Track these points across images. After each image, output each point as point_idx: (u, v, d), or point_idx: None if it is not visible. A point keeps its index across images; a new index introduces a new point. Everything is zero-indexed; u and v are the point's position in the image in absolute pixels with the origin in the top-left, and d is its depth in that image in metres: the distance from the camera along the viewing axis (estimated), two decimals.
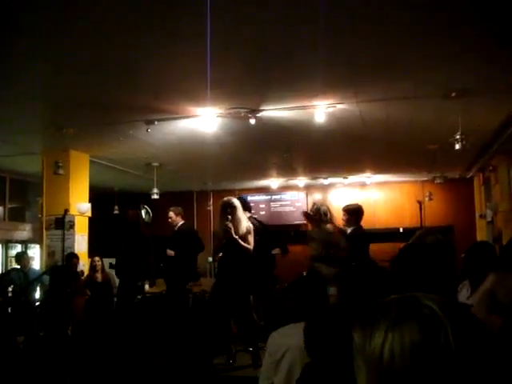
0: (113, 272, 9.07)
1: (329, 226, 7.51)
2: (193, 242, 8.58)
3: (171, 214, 8.64)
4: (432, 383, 0.89)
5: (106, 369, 6.28)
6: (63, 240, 7.60)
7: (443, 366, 0.89)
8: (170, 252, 8.49)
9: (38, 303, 8.93)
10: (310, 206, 8.24)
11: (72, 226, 8.77)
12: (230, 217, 6.85)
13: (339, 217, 7.69)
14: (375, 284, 1.97)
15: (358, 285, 2.02)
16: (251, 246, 7.00)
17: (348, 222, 7.18)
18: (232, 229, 6.77)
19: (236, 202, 7.03)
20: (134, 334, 7.63)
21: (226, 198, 7.19)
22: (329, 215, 7.54)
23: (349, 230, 7.14)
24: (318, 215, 7.55)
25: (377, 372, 0.93)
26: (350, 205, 7.39)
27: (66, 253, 8.33)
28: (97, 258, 9.06)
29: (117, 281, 8.84)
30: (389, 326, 0.94)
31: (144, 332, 7.80)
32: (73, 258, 8.38)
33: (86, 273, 9.11)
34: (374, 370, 0.93)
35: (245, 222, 6.97)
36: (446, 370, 0.89)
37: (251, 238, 6.99)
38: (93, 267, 9.00)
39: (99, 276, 9.04)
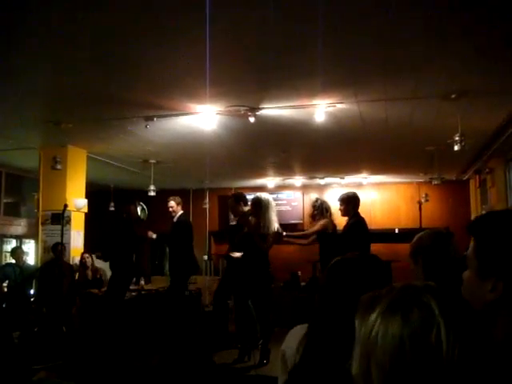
0: (103, 265, 9.05)
1: (326, 221, 7.64)
2: (190, 234, 8.56)
3: (172, 203, 8.52)
4: (414, 379, 0.88)
5: (101, 366, 6.26)
6: (62, 235, 7.55)
7: (430, 364, 0.88)
8: (152, 234, 8.40)
9: (32, 298, 8.92)
10: (312, 200, 8.25)
11: (68, 221, 8.75)
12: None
13: (336, 215, 7.81)
14: (374, 276, 1.90)
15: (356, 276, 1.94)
16: (267, 246, 7.14)
17: (345, 212, 7.23)
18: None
19: (259, 199, 7.20)
20: (130, 332, 7.61)
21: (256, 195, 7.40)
22: (329, 211, 7.71)
23: (348, 221, 7.20)
24: (320, 210, 7.72)
25: (365, 356, 0.93)
26: (345, 193, 7.44)
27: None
28: (86, 255, 8.99)
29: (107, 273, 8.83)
30: (378, 315, 0.94)
31: (140, 329, 7.79)
32: (57, 246, 8.29)
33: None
34: (364, 353, 0.94)
35: (273, 223, 7.13)
36: (433, 368, 0.88)
37: (271, 240, 7.18)
38: (82, 264, 8.92)
39: (89, 273, 8.97)
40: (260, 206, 7.08)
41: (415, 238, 2.86)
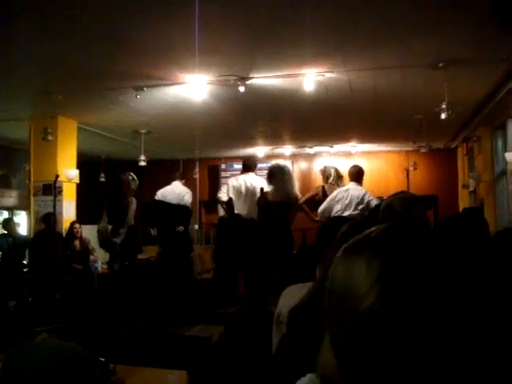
0: (89, 237, 9.12)
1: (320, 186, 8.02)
2: None
3: None
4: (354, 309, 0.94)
5: (94, 332, 6.36)
6: (54, 205, 7.62)
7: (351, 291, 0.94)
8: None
9: (26, 269, 8.99)
10: (332, 170, 8.36)
11: (60, 192, 8.79)
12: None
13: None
14: None
15: None
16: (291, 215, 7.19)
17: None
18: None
19: (277, 168, 7.24)
20: (123, 300, 7.73)
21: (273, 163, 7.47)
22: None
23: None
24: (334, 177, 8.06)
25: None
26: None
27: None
28: (77, 225, 9.00)
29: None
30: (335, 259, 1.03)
31: (130, 298, 7.90)
32: (49, 216, 8.36)
33: None
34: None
35: (289, 190, 7.13)
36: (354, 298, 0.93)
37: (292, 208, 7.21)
38: (72, 234, 8.90)
39: (77, 244, 8.95)
40: (273, 176, 7.18)
41: (383, 204, 2.85)
